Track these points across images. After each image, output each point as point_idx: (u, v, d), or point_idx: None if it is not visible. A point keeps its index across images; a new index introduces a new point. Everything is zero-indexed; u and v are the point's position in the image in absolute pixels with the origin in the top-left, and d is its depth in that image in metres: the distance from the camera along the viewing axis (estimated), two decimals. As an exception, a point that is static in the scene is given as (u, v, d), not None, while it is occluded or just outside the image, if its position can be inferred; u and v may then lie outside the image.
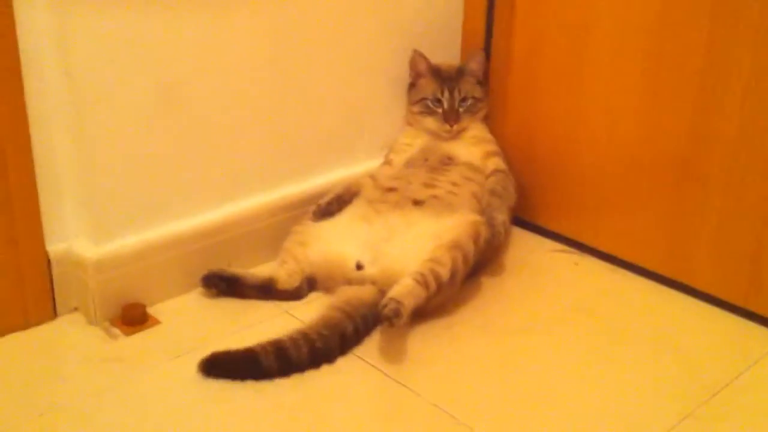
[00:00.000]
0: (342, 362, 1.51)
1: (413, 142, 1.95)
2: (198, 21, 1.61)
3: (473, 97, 1.94)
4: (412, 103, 1.96)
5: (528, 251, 1.94)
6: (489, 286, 1.78)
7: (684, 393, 1.46)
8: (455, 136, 1.94)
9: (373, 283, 1.63)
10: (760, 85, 1.56)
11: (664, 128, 1.72)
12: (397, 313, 1.44)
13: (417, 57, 1.94)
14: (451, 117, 1.91)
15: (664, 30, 1.67)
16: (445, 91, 1.91)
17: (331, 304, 1.58)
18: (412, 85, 1.97)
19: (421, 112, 1.94)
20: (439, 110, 1.92)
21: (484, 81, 1.98)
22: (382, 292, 1.53)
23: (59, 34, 1.46)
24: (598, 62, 1.80)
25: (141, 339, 1.57)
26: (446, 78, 1.93)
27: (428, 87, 1.93)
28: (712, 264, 1.71)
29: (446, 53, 2.01)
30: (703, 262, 1.72)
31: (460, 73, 1.95)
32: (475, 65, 1.96)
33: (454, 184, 1.80)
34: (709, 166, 1.66)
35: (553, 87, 1.90)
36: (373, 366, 1.50)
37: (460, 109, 1.92)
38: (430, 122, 1.93)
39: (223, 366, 1.45)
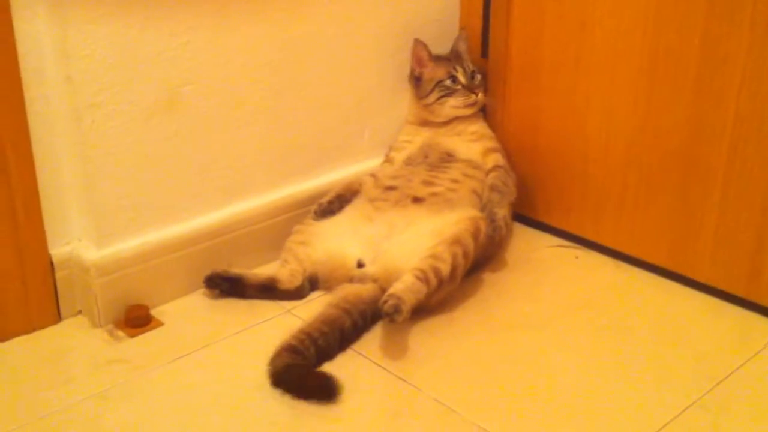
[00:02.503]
0: (343, 359, 1.51)
1: (413, 140, 1.96)
2: (198, 24, 1.62)
3: (479, 72, 1.96)
4: (425, 94, 1.94)
5: (530, 247, 1.94)
6: (490, 281, 1.78)
7: (688, 383, 1.46)
8: (476, 112, 1.96)
9: (375, 280, 1.63)
10: (755, 77, 1.56)
11: (663, 122, 1.72)
12: (397, 309, 1.45)
13: (419, 46, 1.95)
14: (473, 87, 1.93)
15: (661, 23, 1.67)
16: (457, 68, 1.93)
17: (329, 302, 1.58)
18: (417, 79, 1.96)
19: (441, 97, 1.93)
20: (458, 87, 1.92)
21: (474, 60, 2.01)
22: (383, 290, 1.53)
23: (60, 40, 1.47)
24: (597, 57, 1.80)
25: (145, 341, 1.58)
26: (449, 59, 1.96)
27: (438, 71, 1.94)
28: (713, 256, 1.71)
29: (444, 51, 2.01)
30: (705, 255, 1.72)
31: (456, 54, 1.98)
32: (464, 45, 1.99)
33: (454, 180, 1.81)
34: (709, 159, 1.66)
35: (553, 82, 1.90)
36: (374, 363, 1.51)
37: (475, 82, 1.94)
38: (453, 102, 1.93)
39: (296, 381, 1.43)
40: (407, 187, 1.79)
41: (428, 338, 1.58)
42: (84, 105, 1.52)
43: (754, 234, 1.63)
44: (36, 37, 1.48)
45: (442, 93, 1.93)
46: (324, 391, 1.41)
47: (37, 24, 1.48)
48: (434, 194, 1.76)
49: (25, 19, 1.46)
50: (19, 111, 1.49)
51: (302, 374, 1.44)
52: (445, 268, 1.57)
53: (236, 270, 1.72)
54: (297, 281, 1.71)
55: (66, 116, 1.53)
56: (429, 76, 1.94)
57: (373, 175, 1.90)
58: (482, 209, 1.76)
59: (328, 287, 1.71)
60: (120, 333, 1.59)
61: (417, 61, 1.96)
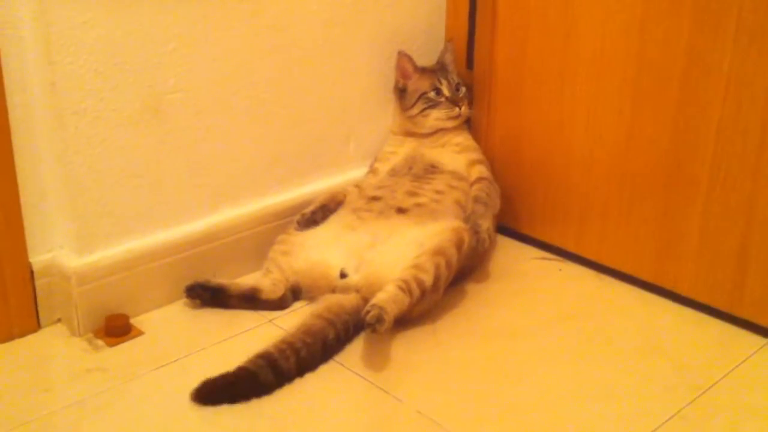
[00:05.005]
0: (325, 370, 1.51)
1: (398, 150, 1.96)
2: (184, 31, 1.61)
3: (464, 84, 1.96)
4: (409, 106, 1.94)
5: (513, 259, 1.94)
6: (474, 292, 1.78)
7: (670, 394, 1.46)
8: (461, 124, 1.96)
9: (357, 291, 1.63)
10: (739, 88, 1.57)
11: (646, 134, 1.73)
12: (379, 320, 1.44)
13: (404, 58, 1.95)
14: (457, 100, 1.93)
15: (646, 34, 1.68)
16: (442, 80, 1.93)
17: (312, 312, 1.58)
18: (402, 90, 1.96)
19: (424, 109, 1.92)
20: (442, 99, 1.92)
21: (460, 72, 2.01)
22: (365, 300, 1.53)
23: (44, 46, 1.46)
24: (582, 68, 1.80)
25: (124, 350, 1.56)
26: (434, 71, 1.95)
27: (423, 83, 1.93)
28: (696, 270, 1.71)
29: (430, 63, 2.02)
30: (688, 268, 1.72)
31: (441, 66, 1.98)
32: (450, 57, 1.99)
33: (438, 192, 1.81)
34: (692, 172, 1.67)
35: (538, 94, 1.90)
36: (356, 374, 1.50)
37: (459, 95, 1.94)
38: (436, 114, 1.93)
39: (220, 391, 1.41)
40: (391, 198, 1.79)
41: (411, 349, 1.58)
42: (68, 112, 1.51)
43: (737, 248, 1.63)
44: (19, 43, 1.47)
45: (426, 105, 1.93)
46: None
47: (21, 29, 1.47)
48: (418, 205, 1.76)
49: (8, 25, 1.46)
50: (1, 118, 1.48)
51: (223, 384, 1.42)
52: (428, 279, 1.57)
53: (218, 280, 1.71)
54: (279, 291, 1.70)
55: (49, 123, 1.52)
56: (413, 88, 1.94)
57: (357, 186, 1.90)
58: (466, 221, 1.76)
59: (311, 297, 1.70)
60: (99, 342, 1.58)
61: (401, 73, 1.96)
